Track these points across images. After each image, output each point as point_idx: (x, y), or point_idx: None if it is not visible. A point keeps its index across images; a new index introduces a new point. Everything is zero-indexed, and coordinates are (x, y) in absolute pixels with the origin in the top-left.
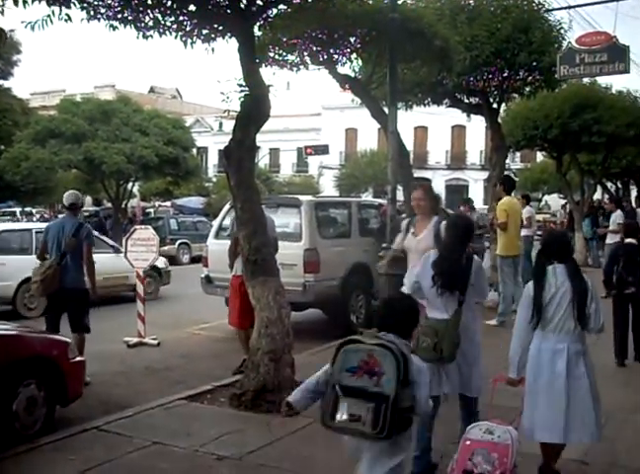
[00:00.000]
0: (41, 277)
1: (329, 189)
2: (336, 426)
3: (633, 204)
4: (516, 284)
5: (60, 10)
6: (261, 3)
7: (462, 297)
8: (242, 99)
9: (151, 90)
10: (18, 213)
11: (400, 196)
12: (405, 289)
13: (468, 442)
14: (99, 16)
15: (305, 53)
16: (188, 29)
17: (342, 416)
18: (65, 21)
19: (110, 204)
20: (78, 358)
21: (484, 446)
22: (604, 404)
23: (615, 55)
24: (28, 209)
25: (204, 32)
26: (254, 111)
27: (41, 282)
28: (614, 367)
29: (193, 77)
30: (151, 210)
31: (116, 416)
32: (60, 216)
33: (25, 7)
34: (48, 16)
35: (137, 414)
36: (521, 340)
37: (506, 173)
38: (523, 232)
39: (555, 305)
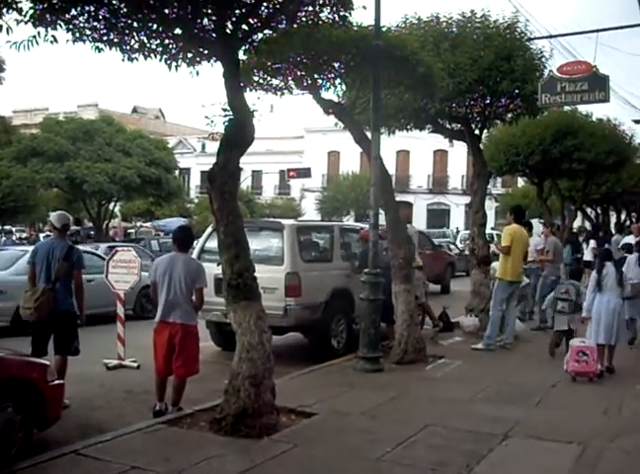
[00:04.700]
0: (35, 305)
1: (311, 211)
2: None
3: (612, 231)
4: (507, 310)
5: (46, 31)
6: (246, 28)
7: None
8: (226, 123)
9: (134, 110)
10: None
11: (382, 221)
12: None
13: (574, 346)
14: (84, 38)
15: (290, 78)
16: (173, 52)
17: (562, 308)
18: (51, 42)
19: (91, 224)
20: (57, 382)
21: (582, 348)
22: None
23: (596, 84)
24: (7, 228)
25: (189, 55)
26: (238, 135)
27: (35, 310)
28: None
29: (176, 98)
30: (132, 231)
31: (94, 439)
32: (42, 236)
33: (8, 34)
34: (34, 37)
35: (116, 438)
36: (590, 298)
37: (517, 203)
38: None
39: (607, 279)
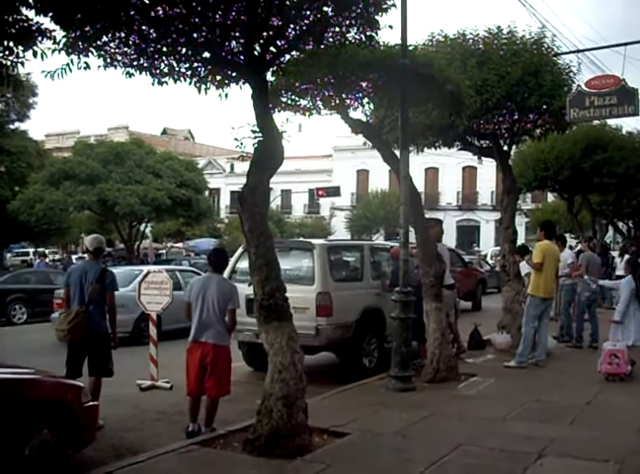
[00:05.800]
0: (69, 327)
1: (340, 230)
2: None
3: None
4: (539, 327)
5: (79, 58)
6: (274, 50)
7: None
8: (255, 145)
9: (164, 131)
10: (31, 254)
11: (412, 238)
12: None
13: (606, 350)
14: (116, 63)
15: (318, 98)
16: (202, 75)
17: None
18: (84, 69)
19: (122, 245)
20: (91, 403)
21: (614, 351)
22: None
23: (625, 98)
24: (41, 250)
25: (218, 78)
26: (267, 157)
27: (69, 332)
28: None
29: (205, 118)
30: (163, 251)
31: (128, 461)
32: (75, 258)
33: (43, 59)
34: (67, 64)
35: (150, 459)
36: (625, 305)
37: (547, 219)
38: (568, 281)
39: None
